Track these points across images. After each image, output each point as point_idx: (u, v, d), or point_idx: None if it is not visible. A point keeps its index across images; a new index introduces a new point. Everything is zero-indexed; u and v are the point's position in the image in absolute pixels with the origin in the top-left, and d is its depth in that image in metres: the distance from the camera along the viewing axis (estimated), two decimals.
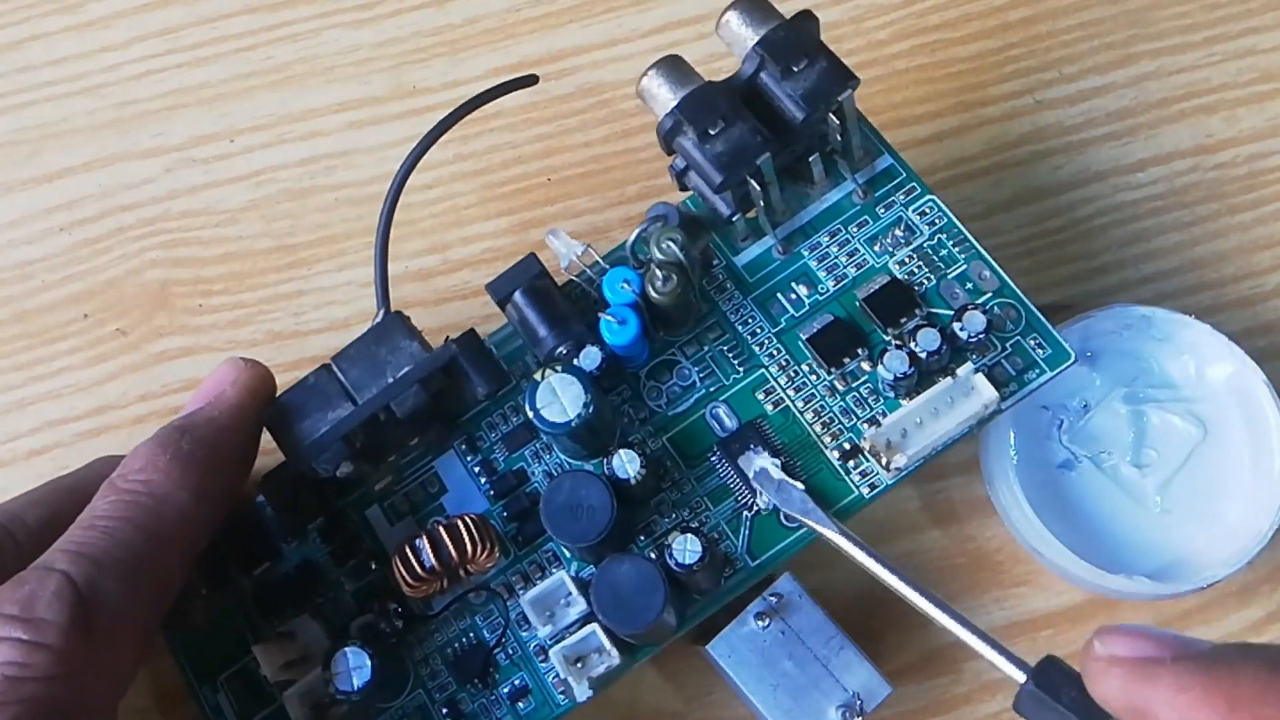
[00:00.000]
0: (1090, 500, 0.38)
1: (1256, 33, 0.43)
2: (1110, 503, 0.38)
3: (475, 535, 0.34)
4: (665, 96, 0.35)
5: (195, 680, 0.35)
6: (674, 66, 0.35)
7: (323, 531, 0.36)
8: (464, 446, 0.36)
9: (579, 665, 0.33)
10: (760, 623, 0.35)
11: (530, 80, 0.38)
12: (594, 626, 0.33)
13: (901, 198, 0.37)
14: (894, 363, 0.34)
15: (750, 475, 0.35)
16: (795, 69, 0.34)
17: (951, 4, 0.44)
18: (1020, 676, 0.29)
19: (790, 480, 0.34)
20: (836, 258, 0.37)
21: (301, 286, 0.41)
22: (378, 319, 0.35)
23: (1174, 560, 0.37)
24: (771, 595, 0.35)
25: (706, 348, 0.36)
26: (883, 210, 0.37)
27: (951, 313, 0.35)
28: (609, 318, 0.35)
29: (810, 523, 0.34)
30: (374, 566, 0.35)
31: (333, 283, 0.41)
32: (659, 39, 0.44)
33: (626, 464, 0.33)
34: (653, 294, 0.35)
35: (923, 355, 0.34)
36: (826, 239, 0.37)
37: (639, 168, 0.42)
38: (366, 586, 0.35)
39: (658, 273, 0.35)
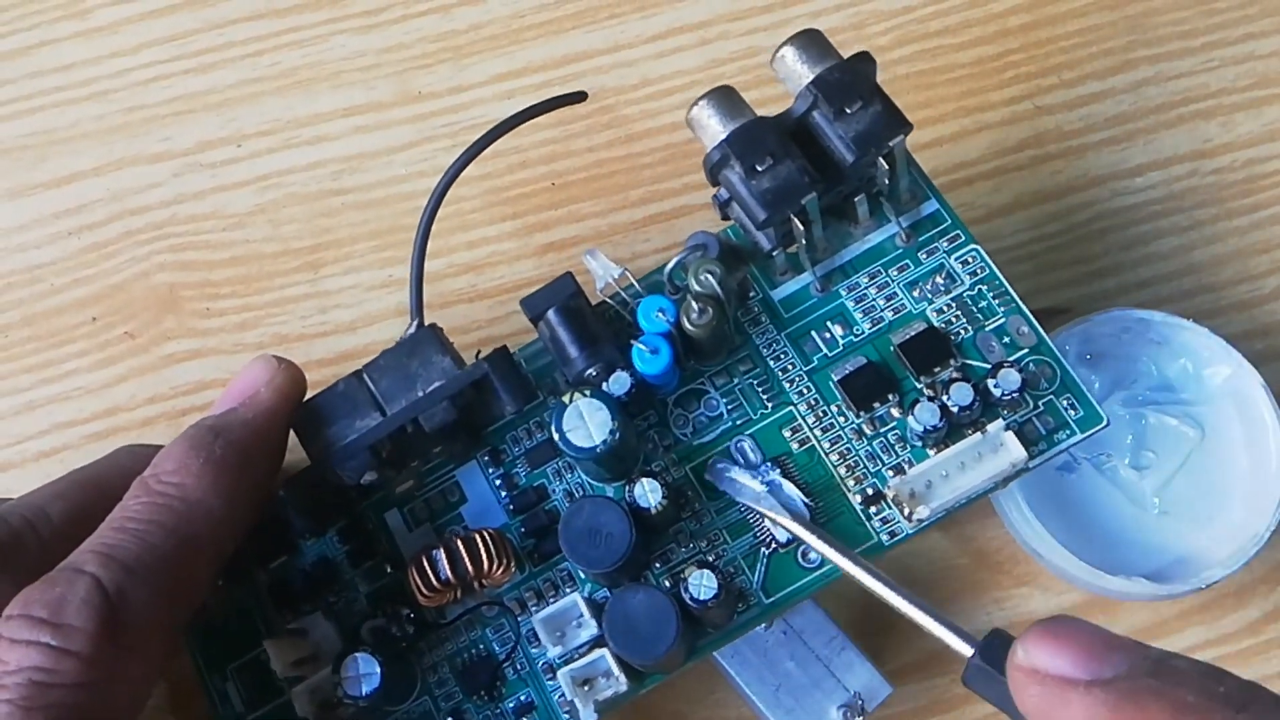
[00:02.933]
0: (1089, 502, 0.38)
1: (1254, 39, 0.44)
2: (1109, 504, 0.38)
3: (492, 550, 0.34)
4: (715, 128, 0.34)
5: (205, 669, 0.35)
6: (725, 98, 0.35)
7: (341, 532, 0.36)
8: (487, 458, 0.36)
9: (586, 688, 0.33)
10: (762, 624, 0.35)
11: (580, 97, 0.37)
12: (604, 651, 0.33)
13: (945, 244, 0.36)
14: (925, 414, 0.34)
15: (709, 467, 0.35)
16: (849, 110, 0.34)
17: (952, 10, 0.44)
18: (967, 650, 0.29)
19: (741, 474, 0.34)
20: (874, 300, 0.36)
21: (308, 290, 0.42)
22: (411, 330, 0.35)
23: (1172, 561, 0.38)
24: None
25: (736, 380, 0.36)
26: (925, 256, 0.36)
27: (986, 365, 0.35)
28: (641, 346, 0.34)
29: (759, 507, 0.34)
30: (390, 570, 0.35)
31: (339, 286, 0.42)
32: (662, 44, 0.44)
33: (649, 493, 0.33)
34: (687, 325, 0.34)
35: (954, 409, 0.34)
36: (866, 280, 0.36)
37: (642, 172, 0.43)
38: (381, 589, 0.35)
39: (693, 304, 0.34)
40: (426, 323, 0.35)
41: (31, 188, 0.43)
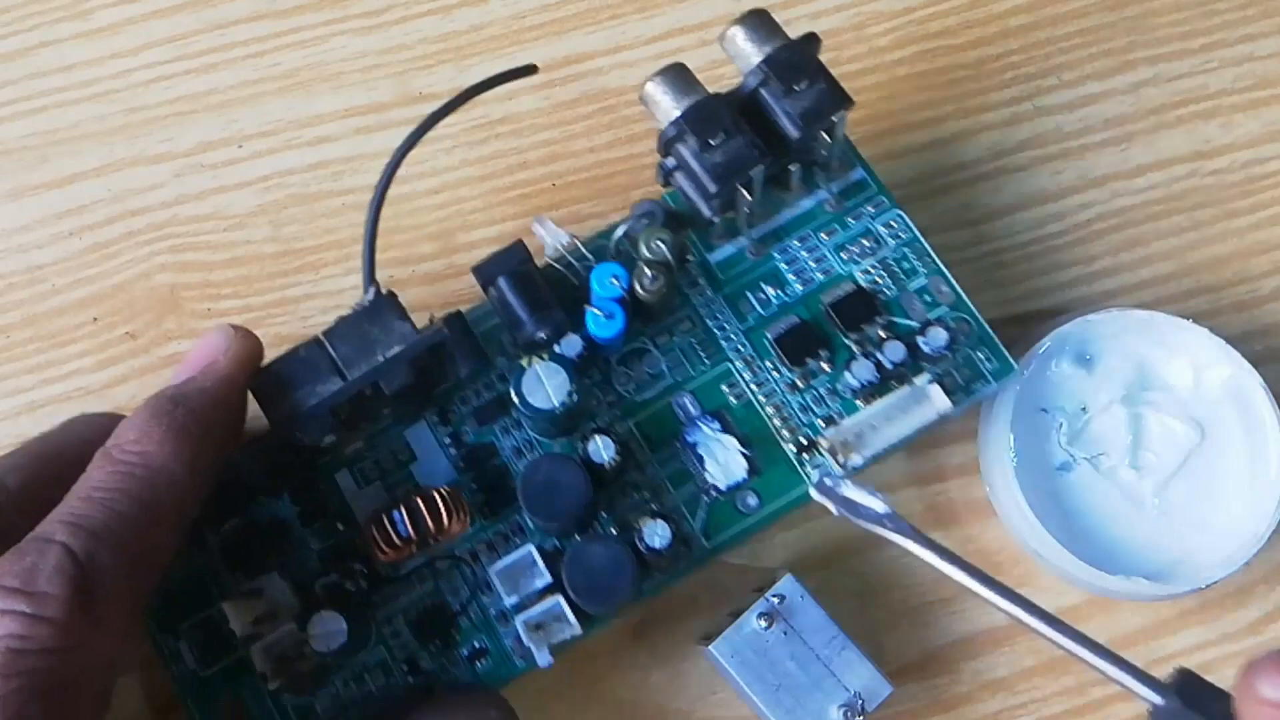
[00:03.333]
0: (1089, 502, 0.39)
1: (1253, 40, 0.44)
2: (1109, 505, 0.39)
3: (451, 507, 0.35)
4: (667, 104, 0.36)
5: (157, 628, 0.36)
6: (678, 75, 0.37)
7: (293, 492, 0.37)
8: (435, 418, 0.38)
9: (540, 632, 0.35)
10: (762, 623, 0.35)
11: (529, 70, 0.38)
12: (558, 597, 0.35)
13: (871, 210, 0.39)
14: (861, 371, 0.37)
15: (817, 482, 0.33)
16: (796, 88, 0.36)
17: (952, 11, 0.44)
18: (1156, 697, 0.27)
19: (858, 491, 0.33)
20: (805, 262, 0.39)
21: (309, 290, 0.42)
22: (368, 297, 0.35)
23: (1172, 561, 0.38)
24: (774, 596, 0.36)
25: (676, 339, 0.38)
26: (852, 220, 0.39)
27: (910, 322, 0.38)
28: (596, 311, 0.36)
29: (888, 534, 0.32)
30: (341, 528, 0.37)
31: (339, 286, 0.42)
32: (663, 45, 0.44)
33: (602, 449, 0.35)
34: (640, 291, 0.37)
35: (889, 366, 0.37)
36: (797, 244, 0.39)
37: (643, 173, 0.43)
38: (332, 546, 0.37)
39: (646, 271, 0.37)
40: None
41: (32, 188, 0.43)
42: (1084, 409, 0.39)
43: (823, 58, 0.43)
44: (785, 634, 0.36)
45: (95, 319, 0.41)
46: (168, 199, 0.43)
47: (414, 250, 0.42)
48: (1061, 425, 0.39)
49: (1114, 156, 0.43)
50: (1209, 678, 0.38)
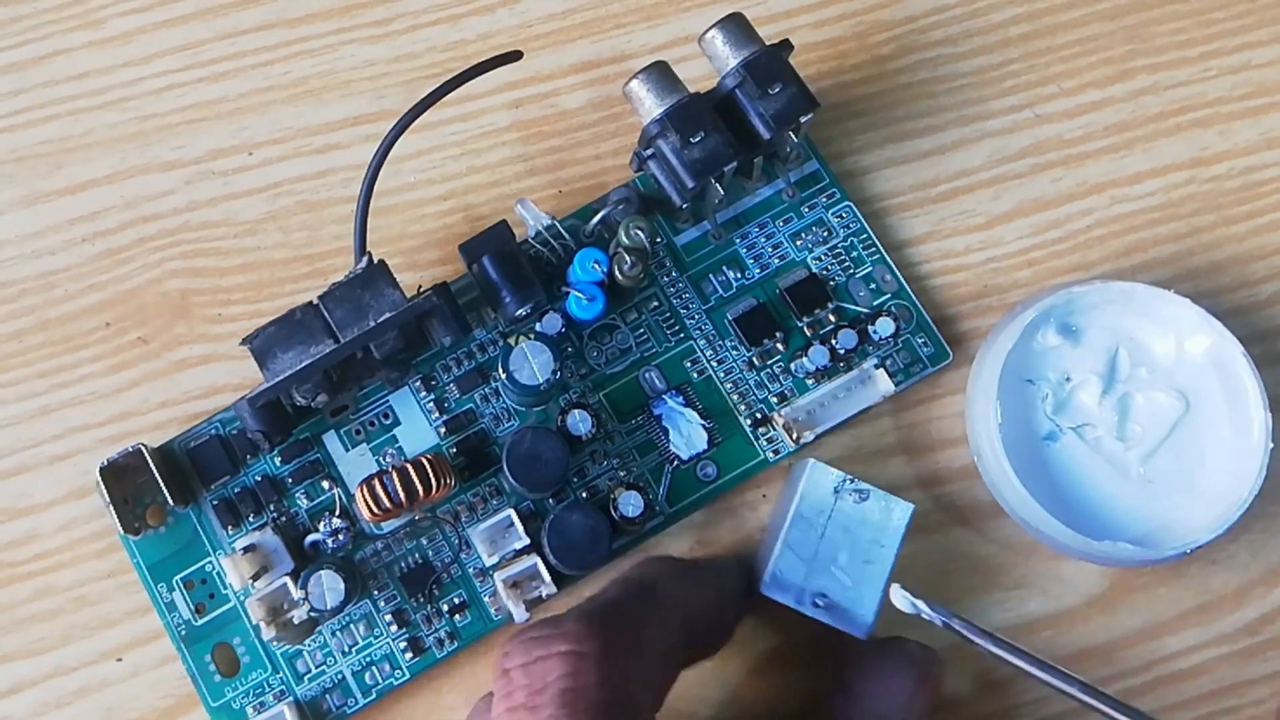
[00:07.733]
0: (1075, 471, 0.39)
1: (1251, 48, 0.44)
2: (1095, 473, 0.39)
3: (438, 474, 0.37)
4: (650, 101, 0.39)
5: (151, 578, 0.39)
6: (662, 74, 0.39)
7: (283, 452, 0.39)
8: (418, 384, 0.40)
9: (516, 590, 0.38)
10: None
11: (515, 56, 0.40)
12: (534, 558, 0.37)
13: (824, 200, 0.42)
14: (817, 356, 0.40)
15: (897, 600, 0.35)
16: (770, 91, 0.38)
17: (953, 20, 0.45)
18: None
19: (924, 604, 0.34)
20: (763, 248, 0.42)
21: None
22: (360, 265, 0.37)
23: (1157, 527, 0.38)
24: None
25: (644, 316, 0.41)
26: (807, 210, 0.42)
27: (857, 308, 0.41)
28: (579, 294, 0.39)
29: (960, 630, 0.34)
30: (327, 487, 0.39)
31: None
32: (666, 54, 0.44)
33: (580, 423, 0.39)
34: (619, 276, 0.40)
35: (841, 351, 0.40)
36: (756, 230, 0.42)
37: None
38: (321, 505, 0.39)
39: (626, 257, 0.39)
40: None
41: (46, 195, 0.43)
42: (1068, 379, 0.40)
43: (825, 65, 0.44)
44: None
45: (107, 324, 0.42)
46: (179, 205, 0.43)
47: (422, 256, 0.42)
48: (1047, 396, 0.40)
49: (1113, 163, 0.43)
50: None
